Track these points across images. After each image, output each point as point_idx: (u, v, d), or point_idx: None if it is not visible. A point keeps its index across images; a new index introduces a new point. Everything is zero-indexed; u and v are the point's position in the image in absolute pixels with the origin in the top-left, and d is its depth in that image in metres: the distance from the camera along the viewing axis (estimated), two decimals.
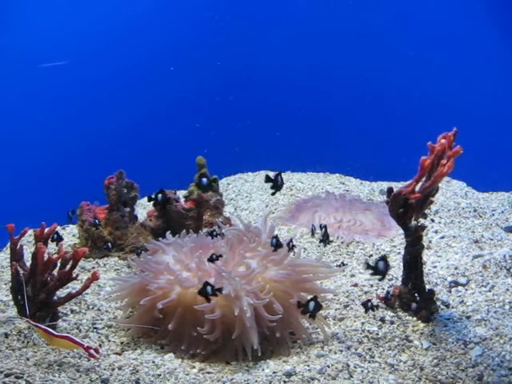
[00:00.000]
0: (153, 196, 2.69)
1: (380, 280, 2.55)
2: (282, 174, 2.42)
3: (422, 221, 2.57)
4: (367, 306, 2.58)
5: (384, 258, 2.42)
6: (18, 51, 4.82)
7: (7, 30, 4.76)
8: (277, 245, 2.51)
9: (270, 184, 2.43)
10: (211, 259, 2.49)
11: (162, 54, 5.38)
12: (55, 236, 3.20)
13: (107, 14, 5.21)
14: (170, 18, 5.43)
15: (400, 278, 2.71)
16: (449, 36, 5.40)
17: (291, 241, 2.62)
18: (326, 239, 2.91)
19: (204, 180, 2.62)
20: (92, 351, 2.09)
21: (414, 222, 2.54)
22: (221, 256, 2.49)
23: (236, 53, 5.51)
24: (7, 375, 1.98)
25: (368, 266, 2.43)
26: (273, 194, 2.46)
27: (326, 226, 2.91)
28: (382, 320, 2.58)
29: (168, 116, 5.42)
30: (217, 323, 2.32)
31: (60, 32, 4.98)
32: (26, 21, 4.90)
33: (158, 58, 5.37)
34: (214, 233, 2.88)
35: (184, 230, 2.95)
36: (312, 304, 2.28)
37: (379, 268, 2.40)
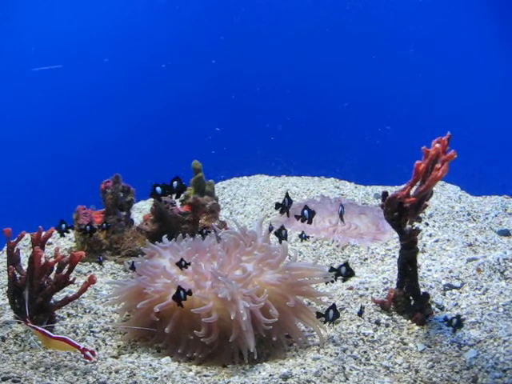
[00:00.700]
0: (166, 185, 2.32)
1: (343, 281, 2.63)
2: (278, 178, 2.44)
3: (416, 224, 2.59)
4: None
5: (346, 264, 2.51)
6: (16, 52, 4.83)
7: (7, 31, 4.77)
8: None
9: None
10: (179, 264, 2.49)
11: (158, 56, 5.40)
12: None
13: (106, 15, 5.23)
14: (169, 18, 5.45)
15: (395, 282, 2.73)
16: (445, 40, 5.43)
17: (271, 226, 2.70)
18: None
19: (158, 189, 2.36)
20: (88, 353, 2.10)
21: (408, 226, 2.56)
22: (189, 264, 2.50)
23: (231, 57, 5.53)
24: (4, 379, 1.98)
25: (331, 269, 2.52)
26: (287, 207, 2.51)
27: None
28: (378, 323, 2.60)
29: (164, 120, 5.43)
30: (213, 326, 2.33)
31: (57, 34, 5.00)
32: (26, 22, 4.90)
33: (155, 60, 5.39)
34: (204, 231, 2.92)
35: (180, 234, 2.96)
36: (331, 312, 2.34)
37: (341, 272, 2.49)
